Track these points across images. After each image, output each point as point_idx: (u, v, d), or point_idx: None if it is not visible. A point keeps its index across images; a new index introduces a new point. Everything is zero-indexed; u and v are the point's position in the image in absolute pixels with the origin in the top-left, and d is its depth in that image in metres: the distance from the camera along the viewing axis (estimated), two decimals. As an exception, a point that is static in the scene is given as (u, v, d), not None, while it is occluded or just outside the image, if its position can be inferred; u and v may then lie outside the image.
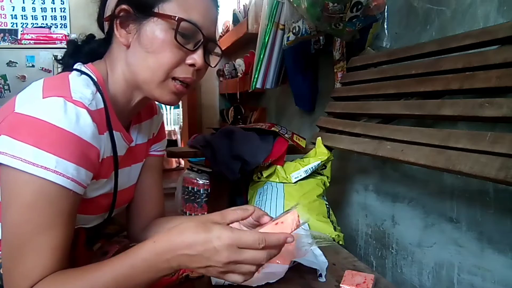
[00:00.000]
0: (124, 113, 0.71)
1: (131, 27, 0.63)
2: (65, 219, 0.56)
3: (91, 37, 0.74)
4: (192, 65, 0.64)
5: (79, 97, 0.58)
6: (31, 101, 0.55)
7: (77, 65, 0.66)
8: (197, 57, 0.63)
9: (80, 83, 0.61)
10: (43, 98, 0.55)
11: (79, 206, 0.65)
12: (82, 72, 0.64)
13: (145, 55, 0.62)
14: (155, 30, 0.61)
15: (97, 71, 0.66)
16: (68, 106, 0.55)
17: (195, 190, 1.34)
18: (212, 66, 0.70)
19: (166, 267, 0.54)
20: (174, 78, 0.64)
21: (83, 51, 0.72)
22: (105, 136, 0.63)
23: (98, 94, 0.63)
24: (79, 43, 0.74)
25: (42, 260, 0.54)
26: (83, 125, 0.56)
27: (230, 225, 0.65)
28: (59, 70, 0.71)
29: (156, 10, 0.61)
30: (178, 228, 0.54)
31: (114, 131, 0.67)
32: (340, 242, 1.08)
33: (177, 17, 0.60)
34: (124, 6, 0.63)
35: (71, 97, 0.56)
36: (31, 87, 0.59)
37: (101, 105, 0.63)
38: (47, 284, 0.53)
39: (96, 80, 0.64)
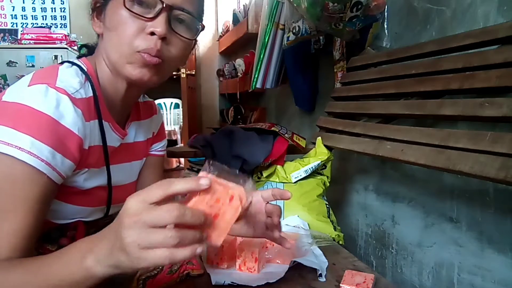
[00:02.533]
0: (117, 106, 0.71)
1: (102, 15, 0.65)
2: (31, 205, 0.54)
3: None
4: (152, 34, 0.60)
5: (64, 85, 0.58)
6: (17, 90, 0.57)
7: (70, 59, 0.68)
8: (156, 24, 0.60)
9: (68, 73, 0.62)
10: (28, 86, 0.56)
11: (75, 197, 0.65)
12: (74, 64, 0.66)
13: (110, 35, 0.63)
14: (113, 8, 0.62)
15: (89, 63, 0.67)
16: (49, 91, 0.56)
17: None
18: (185, 36, 0.64)
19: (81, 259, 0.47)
20: (139, 52, 0.62)
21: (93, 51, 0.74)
22: (92, 123, 0.63)
23: (88, 84, 0.64)
24: (91, 45, 0.76)
25: (1, 248, 0.52)
26: (62, 110, 0.57)
27: None
28: None
29: None
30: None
31: (103, 121, 0.67)
32: (340, 242, 1.08)
33: None
34: None
35: (54, 84, 0.57)
36: (22, 79, 0.60)
37: (90, 94, 0.64)
38: None
39: (86, 70, 0.65)
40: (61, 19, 3.99)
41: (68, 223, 0.69)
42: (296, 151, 1.34)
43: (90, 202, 0.70)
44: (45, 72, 0.61)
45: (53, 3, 3.96)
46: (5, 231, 0.52)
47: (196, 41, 0.73)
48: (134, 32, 0.61)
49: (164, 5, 0.60)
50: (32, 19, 3.94)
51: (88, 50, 0.75)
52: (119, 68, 0.64)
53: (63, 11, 3.99)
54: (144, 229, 0.42)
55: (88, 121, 0.62)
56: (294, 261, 0.80)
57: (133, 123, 0.79)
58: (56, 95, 0.57)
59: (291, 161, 1.28)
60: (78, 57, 0.73)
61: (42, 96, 0.55)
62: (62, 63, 0.67)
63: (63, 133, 0.57)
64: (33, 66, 3.49)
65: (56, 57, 3.52)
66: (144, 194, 0.44)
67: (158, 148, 0.88)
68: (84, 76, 0.64)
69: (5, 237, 0.52)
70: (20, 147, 0.52)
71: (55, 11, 3.97)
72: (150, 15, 0.60)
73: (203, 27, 0.69)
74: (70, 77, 0.61)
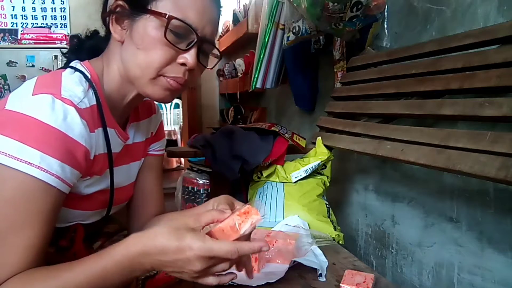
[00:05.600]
0: (119, 110, 0.71)
1: (125, 23, 0.63)
2: (44, 218, 0.55)
3: (95, 33, 0.75)
4: (183, 64, 0.63)
5: (69, 95, 0.58)
6: (21, 98, 0.56)
7: (73, 63, 0.67)
8: (188, 57, 0.62)
9: (72, 81, 0.61)
10: (32, 95, 0.56)
11: (75, 202, 0.65)
12: (76, 70, 0.65)
13: (136, 52, 0.62)
14: (146, 27, 0.61)
15: (92, 68, 0.67)
16: (56, 103, 0.56)
17: (195, 190, 1.34)
18: (209, 67, 0.69)
19: (140, 268, 0.54)
20: (165, 77, 0.63)
21: (85, 46, 0.72)
22: (96, 133, 0.63)
23: (91, 91, 0.64)
24: (82, 37, 0.74)
25: (13, 259, 0.52)
26: (70, 122, 0.56)
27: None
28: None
29: (149, 7, 0.61)
30: (151, 232, 0.54)
31: (108, 128, 0.67)
32: (340, 242, 1.08)
33: (168, 15, 0.59)
34: (119, 2, 0.63)
35: (60, 95, 0.57)
36: (24, 85, 0.59)
37: (94, 102, 0.64)
38: (15, 283, 0.52)
39: (89, 77, 0.65)
40: (61, 19, 3.98)
41: (67, 226, 0.69)
42: (296, 151, 1.34)
43: (90, 206, 0.69)
44: (49, 79, 0.60)
45: (53, 3, 3.96)
46: (18, 246, 0.53)
47: None
48: (167, 60, 0.62)
49: (197, 39, 0.62)
50: (32, 19, 3.93)
51: (79, 42, 0.74)
52: (139, 86, 0.65)
53: (63, 11, 3.99)
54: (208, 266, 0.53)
55: (92, 131, 0.62)
56: (294, 261, 0.80)
57: (132, 125, 0.78)
58: (63, 107, 0.56)
59: (291, 161, 1.28)
60: (68, 52, 0.72)
61: (49, 109, 0.55)
62: (64, 67, 0.66)
63: (71, 145, 0.57)
64: (33, 66, 3.49)
65: (56, 57, 3.52)
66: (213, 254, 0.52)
67: (157, 148, 0.87)
68: (87, 83, 0.64)
69: (19, 252, 0.53)
70: (30, 162, 0.52)
71: (55, 11, 3.97)
72: (183, 47, 0.62)
73: (221, 57, 0.71)
74: (74, 85, 0.61)
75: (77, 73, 0.64)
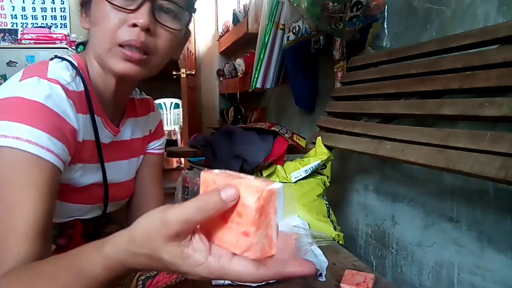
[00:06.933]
0: (108, 102, 0.70)
1: (88, 11, 0.65)
2: (38, 191, 0.52)
3: None
4: (134, 25, 0.58)
5: (55, 76, 0.58)
6: (8, 86, 0.57)
7: (60, 55, 0.68)
8: (138, 15, 0.58)
9: (59, 67, 0.62)
10: (19, 81, 0.56)
11: (71, 194, 0.64)
12: (64, 59, 0.65)
13: (94, 30, 0.62)
14: (96, 4, 0.61)
15: (80, 58, 0.67)
16: (41, 82, 0.56)
17: (195, 190, 1.34)
18: (172, 27, 0.62)
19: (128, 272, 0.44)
20: (121, 45, 0.60)
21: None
22: (84, 117, 0.63)
23: (78, 78, 0.64)
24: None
25: (13, 241, 0.49)
26: (56, 99, 0.56)
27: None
28: None
29: None
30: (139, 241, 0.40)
31: (96, 116, 0.66)
32: (340, 242, 1.08)
33: None
34: None
35: (46, 76, 0.57)
36: (12, 77, 0.59)
37: (82, 88, 0.64)
38: (13, 281, 0.46)
39: (77, 65, 0.65)
40: (61, 19, 3.98)
41: (66, 222, 0.69)
42: (296, 151, 1.34)
43: (86, 199, 0.69)
44: (35, 66, 0.61)
45: (53, 3, 3.96)
46: (17, 220, 0.50)
47: (188, 32, 0.71)
48: (116, 24, 0.59)
49: None
50: (32, 19, 3.93)
51: (85, 48, 0.74)
52: (103, 63, 0.63)
53: (63, 11, 3.99)
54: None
55: (79, 112, 0.61)
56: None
57: (129, 120, 0.78)
58: (48, 85, 0.56)
59: (291, 161, 1.28)
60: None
61: (34, 86, 0.55)
62: (52, 58, 0.66)
63: (58, 120, 0.56)
64: (33, 66, 3.49)
65: (56, 57, 3.51)
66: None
67: (156, 146, 0.87)
68: (74, 71, 0.64)
69: (18, 227, 0.50)
70: (18, 137, 0.51)
71: (55, 11, 3.97)
72: (133, 7, 0.59)
73: (190, 18, 0.67)
74: (61, 70, 0.61)
75: (64, 61, 0.65)
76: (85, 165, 0.66)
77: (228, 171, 0.40)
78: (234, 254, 0.37)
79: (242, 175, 0.39)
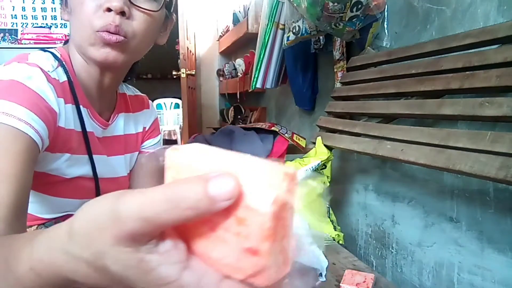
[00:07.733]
0: (93, 94, 0.69)
1: (67, 2, 0.64)
2: (18, 168, 0.49)
3: None
4: (108, 10, 0.58)
5: (34, 61, 0.58)
6: None
7: (44, 48, 0.67)
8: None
9: (39, 57, 0.61)
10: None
11: (60, 187, 0.63)
12: (46, 51, 0.65)
13: (73, 20, 0.62)
14: None
15: (63, 50, 0.66)
16: (20, 65, 0.56)
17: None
18: (147, 8, 0.61)
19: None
20: (98, 32, 0.59)
21: None
22: (69, 106, 0.63)
23: (61, 69, 0.63)
24: None
25: None
26: (35, 80, 0.56)
27: None
28: None
29: None
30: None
31: (81, 107, 0.65)
32: (340, 242, 1.08)
33: None
34: None
35: (25, 61, 0.57)
36: None
37: (64, 78, 0.63)
38: None
39: (59, 56, 0.64)
40: (61, 19, 3.98)
41: (58, 218, 0.68)
42: (296, 151, 1.34)
43: (75, 193, 0.68)
44: (15, 57, 0.60)
45: (53, 3, 3.95)
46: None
47: (171, 16, 0.70)
48: (92, 11, 0.58)
49: None
50: (32, 19, 3.93)
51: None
52: (84, 52, 0.62)
53: (63, 11, 3.99)
54: None
55: (61, 97, 0.60)
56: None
57: (121, 115, 0.77)
58: (27, 67, 0.56)
59: (291, 161, 1.28)
60: None
61: (11, 69, 0.55)
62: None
63: (36, 99, 0.55)
64: (33, 66, 3.49)
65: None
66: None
67: (152, 146, 0.86)
68: (57, 62, 0.63)
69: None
70: None
71: (55, 11, 3.96)
72: None
73: None
74: (42, 59, 0.60)
75: (47, 52, 0.64)
76: (72, 156, 0.65)
77: (208, 146, 0.26)
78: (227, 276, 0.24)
79: (234, 153, 0.25)
